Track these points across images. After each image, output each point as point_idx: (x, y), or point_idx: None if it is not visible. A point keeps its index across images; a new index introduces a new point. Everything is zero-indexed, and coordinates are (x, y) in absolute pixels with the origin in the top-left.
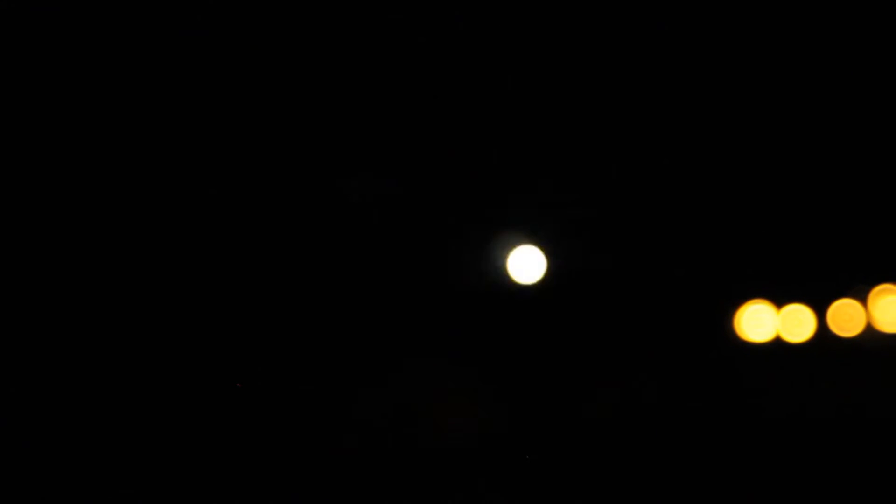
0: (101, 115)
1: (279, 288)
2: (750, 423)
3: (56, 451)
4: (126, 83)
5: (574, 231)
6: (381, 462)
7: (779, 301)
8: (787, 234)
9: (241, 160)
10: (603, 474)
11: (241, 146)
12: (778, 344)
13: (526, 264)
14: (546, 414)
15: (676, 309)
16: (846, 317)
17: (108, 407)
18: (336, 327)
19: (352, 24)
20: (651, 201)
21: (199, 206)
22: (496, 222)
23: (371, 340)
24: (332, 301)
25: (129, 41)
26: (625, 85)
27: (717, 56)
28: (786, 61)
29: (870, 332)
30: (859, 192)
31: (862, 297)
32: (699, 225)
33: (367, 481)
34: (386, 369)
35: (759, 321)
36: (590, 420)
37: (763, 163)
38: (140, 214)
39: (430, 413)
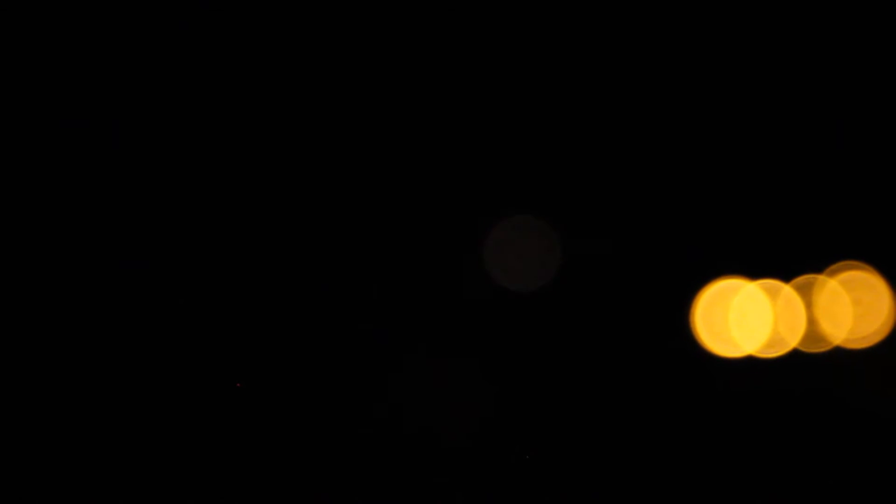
0: (100, 114)
1: (279, 288)
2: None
3: (56, 451)
4: (125, 83)
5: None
6: (379, 462)
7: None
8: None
9: (241, 160)
10: (602, 474)
11: (240, 146)
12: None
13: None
14: (545, 414)
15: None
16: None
17: (108, 407)
18: (334, 327)
19: (348, 24)
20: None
21: (199, 206)
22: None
23: (369, 340)
24: (330, 300)
25: (129, 40)
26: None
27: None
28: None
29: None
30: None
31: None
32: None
33: (366, 481)
34: (384, 369)
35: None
36: (587, 420)
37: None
38: (140, 214)
39: (429, 413)
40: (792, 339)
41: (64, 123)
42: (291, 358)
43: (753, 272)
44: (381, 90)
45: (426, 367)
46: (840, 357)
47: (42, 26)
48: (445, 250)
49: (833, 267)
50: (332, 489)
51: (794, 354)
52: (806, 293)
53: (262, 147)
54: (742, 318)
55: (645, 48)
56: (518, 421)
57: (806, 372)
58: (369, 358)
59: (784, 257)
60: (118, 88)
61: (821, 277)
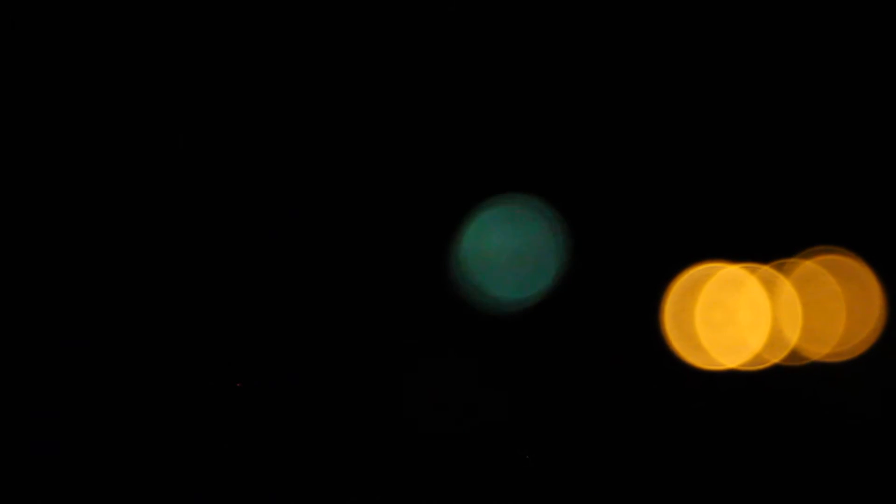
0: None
1: (277, 287)
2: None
3: (55, 452)
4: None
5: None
6: (378, 463)
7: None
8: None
9: (238, 160)
10: (601, 475)
11: (236, 146)
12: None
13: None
14: (545, 414)
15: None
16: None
17: (108, 407)
18: (333, 327)
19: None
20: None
21: (198, 206)
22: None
23: (368, 340)
24: (328, 300)
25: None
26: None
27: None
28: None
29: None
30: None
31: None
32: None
33: (364, 482)
34: (383, 369)
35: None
36: (586, 420)
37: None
38: (139, 214)
39: (428, 413)
40: (776, 356)
41: (64, 123)
42: (290, 358)
43: (731, 259)
44: (372, 85)
45: (424, 367)
46: (827, 370)
47: (42, 26)
48: (437, 251)
49: (815, 254)
50: (331, 489)
51: (776, 368)
52: (791, 289)
53: (258, 147)
54: (723, 326)
55: (618, 34)
56: (521, 421)
57: (793, 385)
58: (365, 359)
59: (762, 244)
60: (118, 88)
61: (806, 265)
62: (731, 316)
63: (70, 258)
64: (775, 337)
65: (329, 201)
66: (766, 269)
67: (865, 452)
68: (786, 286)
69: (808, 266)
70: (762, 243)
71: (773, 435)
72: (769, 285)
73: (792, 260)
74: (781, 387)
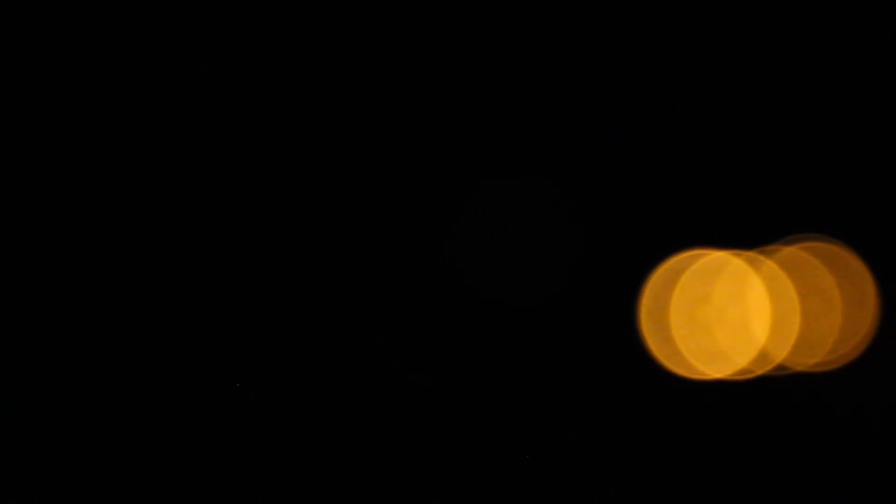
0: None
1: (276, 287)
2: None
3: (55, 452)
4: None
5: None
6: (377, 463)
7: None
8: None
9: (237, 160)
10: (601, 475)
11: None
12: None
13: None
14: (544, 414)
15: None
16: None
17: (108, 407)
18: (331, 327)
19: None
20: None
21: (197, 207)
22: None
23: (366, 340)
24: (327, 300)
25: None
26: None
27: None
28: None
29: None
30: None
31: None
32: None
33: (363, 482)
34: (382, 369)
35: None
36: (585, 420)
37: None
38: (139, 215)
39: (426, 413)
40: (762, 367)
41: (63, 123)
42: (289, 358)
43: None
44: (367, 76)
45: (423, 368)
46: (814, 379)
47: (42, 26)
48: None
49: (798, 241)
50: (330, 489)
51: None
52: (782, 289)
53: (256, 147)
54: (706, 333)
55: (597, 26)
56: (520, 422)
57: (780, 394)
58: (363, 359)
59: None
60: (118, 88)
61: (794, 255)
62: (714, 322)
63: (70, 258)
64: (763, 349)
65: (327, 197)
66: (750, 255)
67: (861, 459)
68: (776, 285)
69: (798, 259)
70: (746, 230)
71: (764, 443)
72: (755, 282)
73: (773, 246)
74: (769, 396)
